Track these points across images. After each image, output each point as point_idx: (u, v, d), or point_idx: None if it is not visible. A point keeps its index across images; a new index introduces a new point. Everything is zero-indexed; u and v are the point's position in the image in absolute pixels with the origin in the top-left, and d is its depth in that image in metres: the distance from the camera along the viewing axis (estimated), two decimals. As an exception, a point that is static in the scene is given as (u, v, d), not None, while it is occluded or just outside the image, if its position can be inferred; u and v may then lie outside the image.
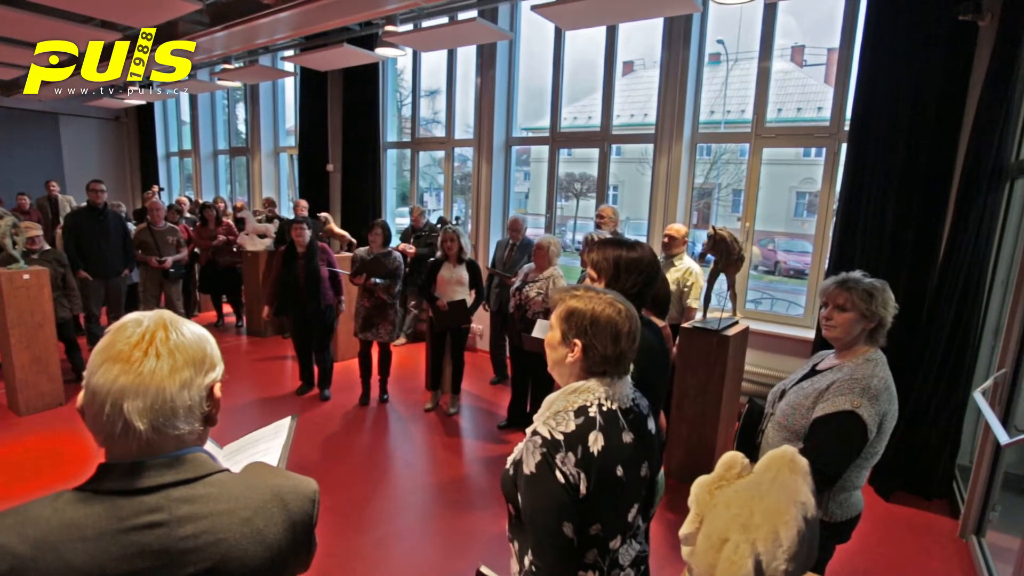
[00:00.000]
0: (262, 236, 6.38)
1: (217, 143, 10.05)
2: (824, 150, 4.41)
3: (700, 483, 0.95)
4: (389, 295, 4.31)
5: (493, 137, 6.07)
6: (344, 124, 7.18)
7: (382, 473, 3.65)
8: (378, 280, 4.24)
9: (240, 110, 10.01)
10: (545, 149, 6.02)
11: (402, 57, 6.14)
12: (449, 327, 4.24)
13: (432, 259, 4.38)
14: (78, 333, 5.07)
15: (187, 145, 10.80)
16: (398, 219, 7.75)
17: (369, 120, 6.94)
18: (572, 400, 1.26)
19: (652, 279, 1.77)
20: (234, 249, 6.56)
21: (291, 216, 6.88)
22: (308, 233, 4.35)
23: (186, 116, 10.58)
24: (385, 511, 3.24)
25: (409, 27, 5.75)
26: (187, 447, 0.86)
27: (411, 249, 5.57)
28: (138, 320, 0.84)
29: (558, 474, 1.17)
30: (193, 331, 0.87)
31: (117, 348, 0.81)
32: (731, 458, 0.95)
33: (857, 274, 1.78)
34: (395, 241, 5.49)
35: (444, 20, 5.76)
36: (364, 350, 4.51)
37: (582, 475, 1.18)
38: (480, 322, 5.91)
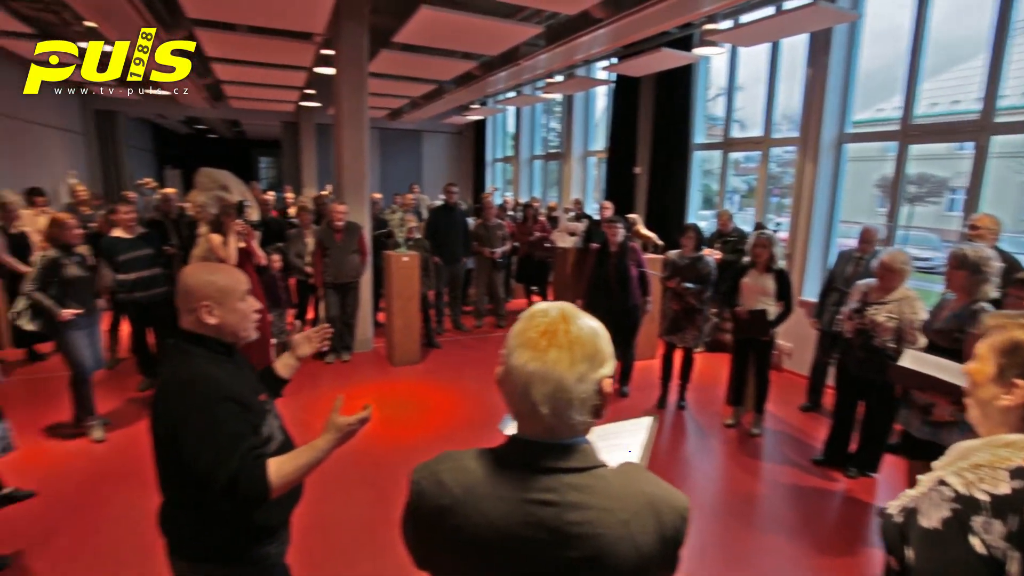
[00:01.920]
0: (571, 234, 6.91)
1: (534, 149, 11.27)
2: None
3: None
4: (699, 300, 4.22)
5: (822, 134, 5.40)
6: (654, 127, 7.28)
7: (681, 480, 3.61)
8: (689, 284, 4.19)
9: (553, 119, 11.04)
10: (870, 146, 5.03)
11: (718, 55, 5.92)
12: (746, 337, 3.97)
13: (739, 265, 4.14)
14: (427, 307, 6.26)
15: (509, 152, 12.39)
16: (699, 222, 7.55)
17: (679, 122, 6.89)
18: (1002, 455, 1.02)
19: None
20: (546, 244, 7.27)
21: (596, 216, 7.31)
22: (622, 232, 4.53)
23: (511, 127, 12.14)
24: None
25: (729, 23, 5.51)
26: (577, 436, 0.91)
27: (717, 254, 5.36)
28: (544, 310, 0.90)
29: (975, 541, 0.96)
30: (589, 325, 0.90)
31: (528, 335, 0.87)
32: None
33: None
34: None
35: (768, 11, 5.33)
36: (667, 353, 4.52)
37: (1013, 555, 0.95)
38: (790, 339, 5.36)
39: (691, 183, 7.00)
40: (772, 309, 3.86)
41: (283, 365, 1.74)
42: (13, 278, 5.05)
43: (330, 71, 7.40)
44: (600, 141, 9.19)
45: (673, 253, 4.47)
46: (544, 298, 7.62)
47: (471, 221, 6.98)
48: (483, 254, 6.51)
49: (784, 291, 3.86)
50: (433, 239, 6.15)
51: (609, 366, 0.91)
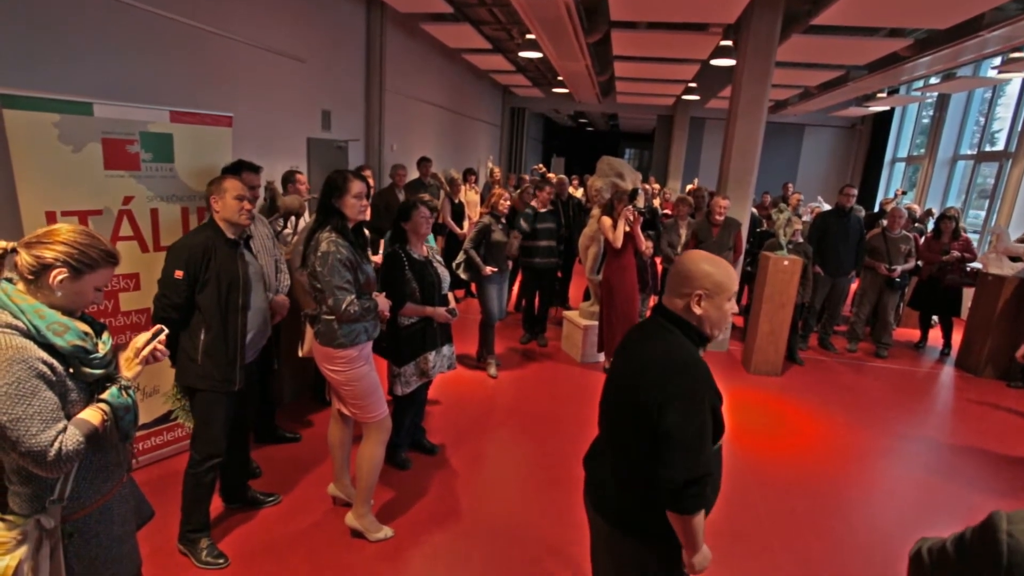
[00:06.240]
0: (1016, 259, 5.27)
1: (960, 147, 8.97)
2: None
3: None
4: None
5: None
6: None
7: None
8: None
9: (1002, 108, 8.51)
10: None
11: None
12: None
13: None
14: (798, 318, 5.62)
15: (917, 150, 10.18)
16: None
17: None
18: None
19: None
20: (967, 268, 5.73)
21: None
22: None
23: (926, 120, 9.91)
24: None
25: None
26: None
27: None
28: None
29: None
30: None
31: None
32: None
33: None
34: None
35: None
36: None
37: None
38: None
39: None
40: None
41: None
42: (450, 237, 6.57)
43: (725, 62, 7.24)
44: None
45: None
46: (947, 333, 6.07)
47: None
48: (878, 270, 5.50)
49: None
50: (818, 246, 5.48)
51: None
